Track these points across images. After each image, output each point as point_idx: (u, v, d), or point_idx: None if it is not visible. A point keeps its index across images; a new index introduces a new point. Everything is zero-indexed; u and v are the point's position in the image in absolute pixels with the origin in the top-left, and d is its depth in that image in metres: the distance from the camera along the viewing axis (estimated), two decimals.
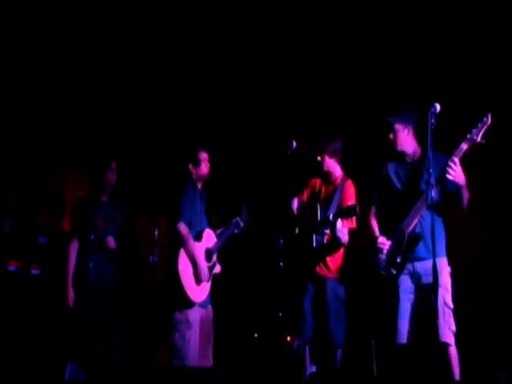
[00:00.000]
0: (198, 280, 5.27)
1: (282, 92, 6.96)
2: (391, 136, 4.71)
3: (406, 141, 4.70)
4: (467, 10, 5.97)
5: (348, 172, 5.50)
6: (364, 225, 5.20)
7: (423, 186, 4.44)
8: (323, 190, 5.45)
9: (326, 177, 5.46)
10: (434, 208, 4.40)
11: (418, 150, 4.72)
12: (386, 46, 6.43)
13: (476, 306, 4.48)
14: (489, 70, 6.02)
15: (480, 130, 4.24)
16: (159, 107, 7.42)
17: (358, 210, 4.96)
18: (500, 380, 5.21)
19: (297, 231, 5.36)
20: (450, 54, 6.23)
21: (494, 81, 5.95)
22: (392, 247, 4.59)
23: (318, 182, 5.52)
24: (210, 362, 5.32)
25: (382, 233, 4.71)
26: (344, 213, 5.04)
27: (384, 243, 4.63)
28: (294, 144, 5.30)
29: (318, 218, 5.26)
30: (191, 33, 7.07)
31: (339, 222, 5.05)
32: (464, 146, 4.30)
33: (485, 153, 4.41)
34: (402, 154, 4.73)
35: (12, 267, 6.16)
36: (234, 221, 5.56)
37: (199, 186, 5.54)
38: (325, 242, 5.17)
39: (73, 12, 6.87)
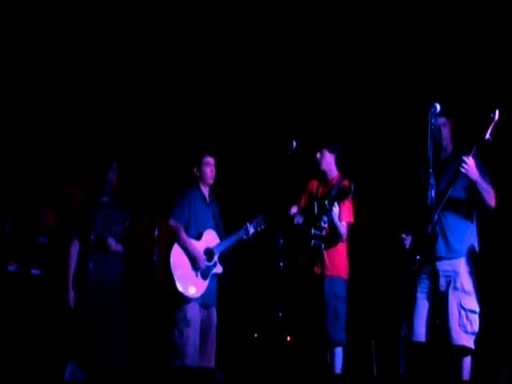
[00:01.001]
0: (195, 272, 5.29)
1: (282, 92, 6.96)
2: (445, 131, 4.57)
3: (448, 137, 4.63)
4: (467, 9, 5.97)
5: (347, 171, 5.49)
6: (363, 222, 5.20)
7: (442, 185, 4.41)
8: (320, 190, 5.43)
9: (322, 177, 5.43)
10: (458, 207, 4.39)
11: (450, 147, 4.66)
12: (386, 46, 6.43)
13: (479, 304, 4.47)
14: (489, 70, 6.02)
15: (488, 127, 4.22)
16: (159, 107, 7.42)
17: (352, 189, 4.95)
18: (502, 378, 5.21)
19: (296, 225, 5.33)
20: (450, 53, 6.23)
21: (494, 81, 5.94)
22: (412, 244, 4.58)
23: (315, 185, 5.49)
24: (211, 364, 5.32)
25: (408, 230, 4.68)
26: (339, 194, 5.02)
27: (405, 239, 4.62)
28: (294, 144, 5.30)
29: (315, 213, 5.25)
30: (191, 33, 7.07)
31: (336, 207, 5.04)
32: (475, 146, 4.28)
33: (489, 150, 4.40)
34: (439, 151, 4.61)
35: (12, 267, 6.16)
36: (244, 226, 5.57)
37: (204, 189, 5.56)
38: (323, 234, 5.15)
39: (73, 12, 6.88)
